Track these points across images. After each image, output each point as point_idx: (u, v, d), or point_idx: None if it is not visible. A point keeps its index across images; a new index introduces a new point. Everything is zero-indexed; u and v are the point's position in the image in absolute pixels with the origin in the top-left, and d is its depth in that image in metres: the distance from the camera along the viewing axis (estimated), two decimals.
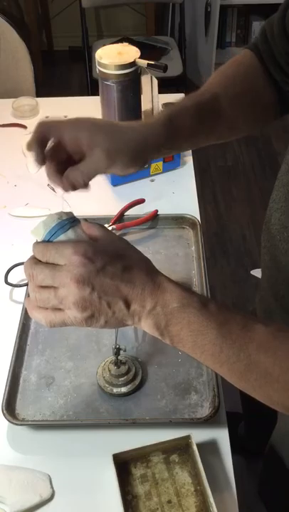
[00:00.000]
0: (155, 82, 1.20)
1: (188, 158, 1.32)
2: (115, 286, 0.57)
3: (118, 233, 1.11)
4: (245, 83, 0.81)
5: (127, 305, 0.57)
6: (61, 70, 3.55)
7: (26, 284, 1.01)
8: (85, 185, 0.72)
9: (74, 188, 0.71)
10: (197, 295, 0.58)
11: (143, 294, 0.57)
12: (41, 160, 0.70)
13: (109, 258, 0.57)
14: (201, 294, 0.61)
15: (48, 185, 1.25)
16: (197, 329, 0.56)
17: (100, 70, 1.19)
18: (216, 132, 0.81)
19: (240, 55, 0.85)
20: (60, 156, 0.71)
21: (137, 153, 0.71)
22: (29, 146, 0.70)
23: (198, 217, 1.14)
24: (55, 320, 0.59)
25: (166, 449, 0.78)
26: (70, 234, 0.60)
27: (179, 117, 0.74)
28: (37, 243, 0.60)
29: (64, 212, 0.62)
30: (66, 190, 0.71)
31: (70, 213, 0.63)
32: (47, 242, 0.60)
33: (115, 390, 0.85)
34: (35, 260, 0.59)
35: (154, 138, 0.72)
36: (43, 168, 1.06)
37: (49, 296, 0.58)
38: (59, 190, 0.73)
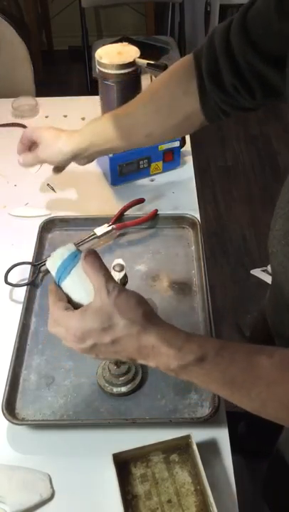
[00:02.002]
0: None
1: (188, 158, 1.32)
2: (111, 353, 0.62)
3: (118, 233, 1.11)
4: (167, 95, 0.90)
5: (131, 360, 0.62)
6: (61, 69, 3.55)
7: (26, 284, 1.01)
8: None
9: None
10: (192, 348, 0.58)
11: (141, 356, 0.61)
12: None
13: (97, 335, 0.60)
14: (195, 339, 0.61)
15: (48, 184, 1.25)
16: (203, 380, 0.60)
17: (99, 70, 1.19)
18: (132, 142, 0.99)
19: (184, 58, 0.89)
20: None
21: (63, 160, 1.04)
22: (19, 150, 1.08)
23: (198, 217, 1.13)
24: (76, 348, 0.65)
25: (166, 449, 0.78)
26: (74, 276, 0.64)
27: (100, 132, 0.98)
28: (50, 291, 0.66)
29: (65, 249, 0.66)
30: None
31: (71, 247, 0.66)
32: (57, 285, 0.66)
33: (115, 390, 0.85)
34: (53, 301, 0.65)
35: (77, 149, 1.00)
36: (43, 168, 1.15)
37: (62, 335, 0.64)
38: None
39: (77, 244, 0.78)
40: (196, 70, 0.84)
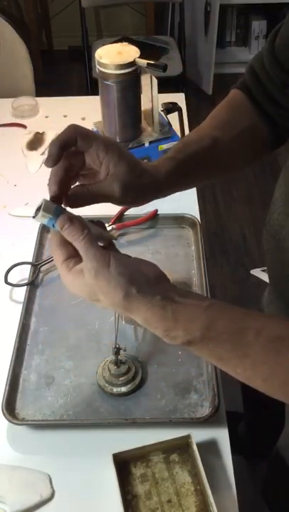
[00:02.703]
0: (155, 81, 1.20)
1: None
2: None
3: (118, 233, 1.11)
4: (241, 123, 0.82)
5: None
6: (61, 69, 3.55)
7: (26, 284, 1.01)
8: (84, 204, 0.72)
9: (76, 205, 0.71)
10: (178, 334, 0.57)
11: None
12: (55, 160, 0.66)
13: (87, 299, 0.60)
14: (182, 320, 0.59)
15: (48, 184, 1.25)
16: (194, 352, 0.60)
17: (99, 70, 1.19)
18: (211, 176, 0.86)
19: (229, 96, 0.86)
20: (72, 164, 0.69)
21: (144, 194, 0.73)
22: (52, 143, 0.65)
23: (198, 217, 1.14)
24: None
25: (166, 449, 0.78)
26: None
27: (181, 166, 0.75)
28: (51, 235, 0.65)
29: (46, 205, 0.65)
30: (66, 204, 0.70)
31: (45, 215, 0.64)
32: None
33: (115, 390, 0.85)
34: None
35: (158, 183, 0.73)
36: (43, 168, 1.05)
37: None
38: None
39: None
40: (247, 95, 0.83)
